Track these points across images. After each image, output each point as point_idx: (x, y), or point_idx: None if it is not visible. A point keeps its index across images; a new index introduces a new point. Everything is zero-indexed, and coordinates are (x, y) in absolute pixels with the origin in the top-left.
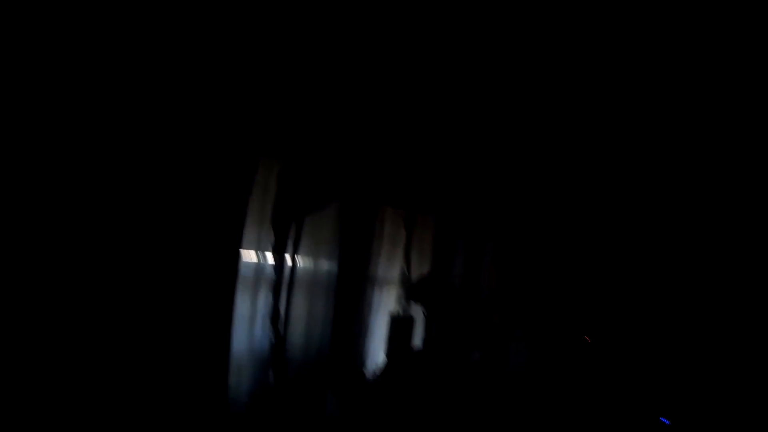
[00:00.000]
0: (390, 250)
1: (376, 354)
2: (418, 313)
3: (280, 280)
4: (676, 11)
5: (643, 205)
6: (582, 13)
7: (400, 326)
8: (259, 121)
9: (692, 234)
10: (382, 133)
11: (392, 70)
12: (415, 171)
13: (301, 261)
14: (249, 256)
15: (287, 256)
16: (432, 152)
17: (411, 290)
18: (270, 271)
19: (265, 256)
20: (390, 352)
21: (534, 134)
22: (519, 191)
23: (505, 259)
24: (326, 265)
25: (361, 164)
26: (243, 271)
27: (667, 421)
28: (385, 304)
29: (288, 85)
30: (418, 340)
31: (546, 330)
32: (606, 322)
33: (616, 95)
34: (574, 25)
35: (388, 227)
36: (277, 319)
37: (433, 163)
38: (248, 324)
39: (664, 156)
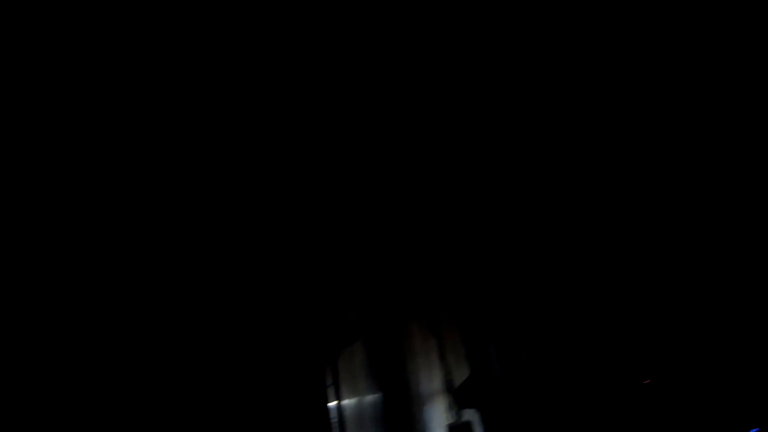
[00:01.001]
0: (426, 361)
1: None
2: (472, 415)
3: (329, 426)
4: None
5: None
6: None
7: None
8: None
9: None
10: (387, 257)
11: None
12: (430, 280)
13: (344, 401)
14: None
15: (329, 400)
16: (442, 257)
17: (459, 396)
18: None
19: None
20: None
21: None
22: (530, 269)
23: (537, 334)
24: (370, 398)
25: (374, 291)
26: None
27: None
28: (437, 417)
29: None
30: None
31: (602, 388)
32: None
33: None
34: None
35: (416, 339)
36: None
37: (445, 266)
38: None
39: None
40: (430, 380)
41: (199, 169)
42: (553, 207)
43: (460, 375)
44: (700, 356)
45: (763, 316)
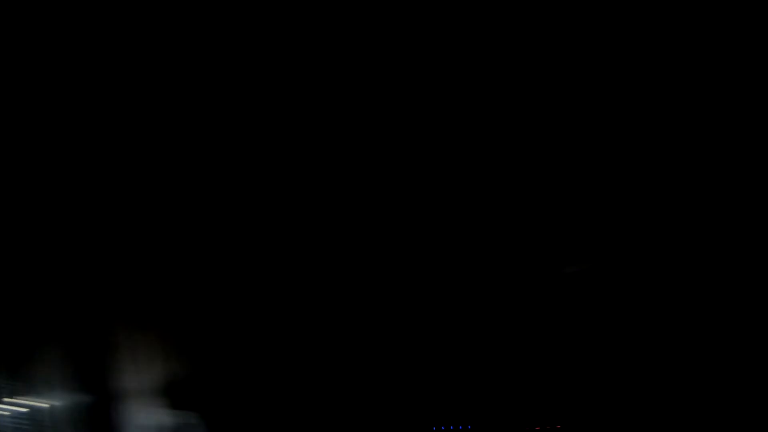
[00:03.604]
0: (133, 361)
1: None
2: (184, 416)
3: None
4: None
5: None
6: None
7: None
8: None
9: None
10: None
11: None
12: (134, 275)
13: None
14: None
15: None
16: (143, 251)
17: (170, 396)
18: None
19: None
20: None
21: None
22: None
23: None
24: (71, 400)
25: (73, 287)
26: None
27: None
28: (146, 418)
29: None
30: None
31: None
32: None
33: None
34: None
35: (122, 338)
36: None
37: (147, 261)
38: None
39: None
40: (138, 380)
41: None
42: None
43: (171, 374)
44: None
45: None
